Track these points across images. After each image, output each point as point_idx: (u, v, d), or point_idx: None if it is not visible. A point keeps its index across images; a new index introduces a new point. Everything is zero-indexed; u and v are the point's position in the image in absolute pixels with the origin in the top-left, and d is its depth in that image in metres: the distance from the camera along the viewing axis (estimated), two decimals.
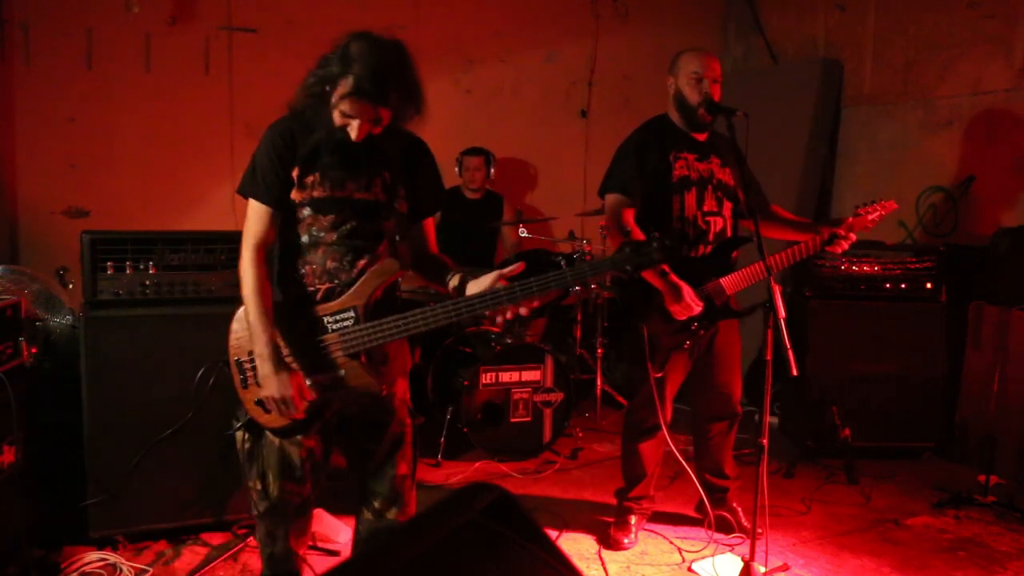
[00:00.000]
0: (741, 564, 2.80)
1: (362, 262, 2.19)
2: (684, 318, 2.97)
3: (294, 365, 2.16)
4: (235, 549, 3.00)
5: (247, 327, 2.19)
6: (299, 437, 2.25)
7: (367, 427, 2.34)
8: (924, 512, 3.57)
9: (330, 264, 2.18)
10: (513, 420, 4.16)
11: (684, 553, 3.16)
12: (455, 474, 3.97)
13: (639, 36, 5.99)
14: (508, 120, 5.68)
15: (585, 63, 5.92)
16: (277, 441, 2.26)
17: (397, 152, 2.26)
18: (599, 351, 4.80)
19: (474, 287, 2.13)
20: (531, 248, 4.62)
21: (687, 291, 2.92)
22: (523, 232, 4.76)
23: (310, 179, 2.15)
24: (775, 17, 5.99)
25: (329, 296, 2.18)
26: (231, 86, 4.94)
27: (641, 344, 3.07)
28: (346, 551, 3.06)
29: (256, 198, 2.17)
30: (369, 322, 2.14)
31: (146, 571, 2.87)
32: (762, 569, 2.78)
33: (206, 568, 2.90)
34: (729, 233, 3.14)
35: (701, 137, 3.12)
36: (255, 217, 2.18)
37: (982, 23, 4.53)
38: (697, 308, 2.93)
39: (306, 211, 2.17)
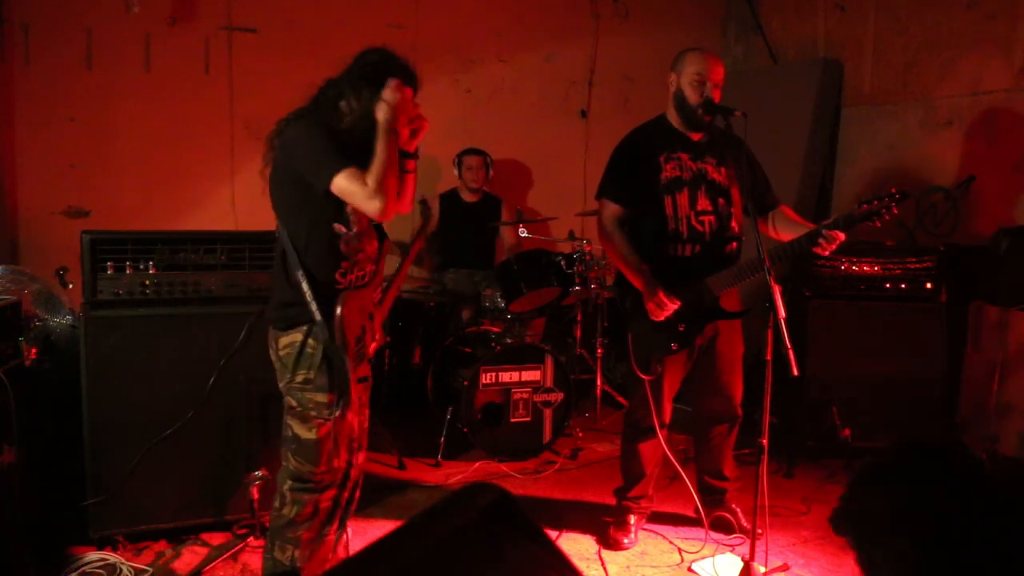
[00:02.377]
0: (741, 564, 2.80)
1: (376, 243, 2.55)
2: (660, 318, 2.96)
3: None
4: (235, 549, 3.00)
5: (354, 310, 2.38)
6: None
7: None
8: None
9: (369, 249, 2.48)
10: (513, 420, 4.16)
11: (684, 553, 3.16)
12: (455, 474, 3.97)
13: (639, 36, 5.99)
14: (508, 120, 5.68)
15: (585, 63, 5.92)
16: (349, 415, 2.48)
17: None
18: (599, 351, 4.80)
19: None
20: (531, 248, 4.61)
21: (659, 290, 2.93)
22: (523, 232, 4.76)
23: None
24: (775, 17, 5.98)
25: (374, 276, 2.53)
26: (231, 86, 4.94)
27: (631, 347, 3.08)
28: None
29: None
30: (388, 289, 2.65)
31: (146, 571, 2.87)
32: (762, 569, 2.79)
33: (206, 568, 2.90)
34: (728, 232, 3.13)
35: (696, 137, 3.12)
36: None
37: (982, 23, 4.53)
38: (671, 307, 2.93)
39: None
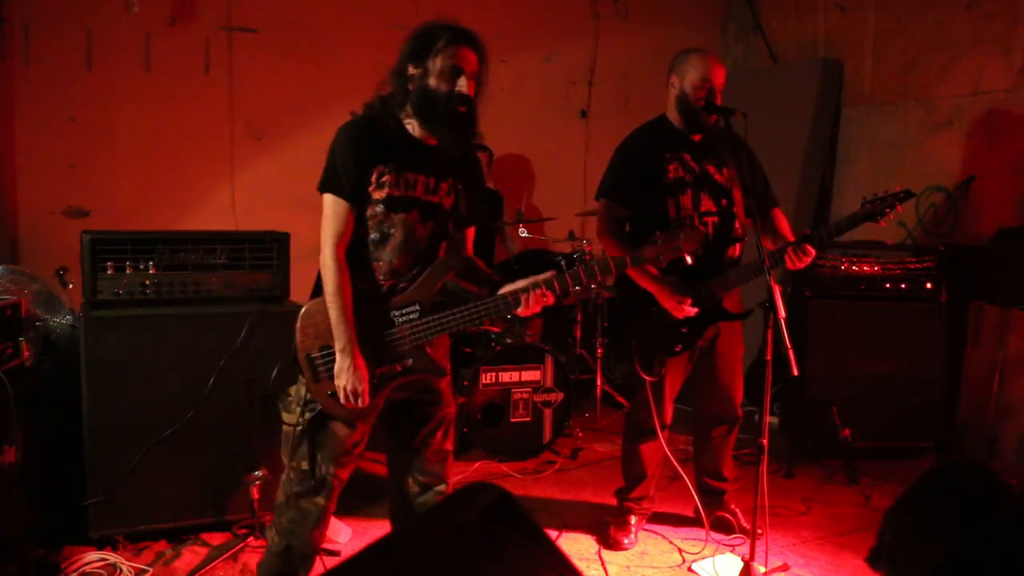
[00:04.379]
0: (741, 564, 2.80)
1: (422, 261, 2.34)
2: (681, 316, 2.96)
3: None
4: (235, 549, 3.00)
5: (316, 323, 2.28)
6: (357, 422, 2.35)
7: (416, 410, 2.47)
8: None
9: (396, 262, 2.31)
10: (513, 420, 4.16)
11: (684, 554, 3.16)
12: (455, 474, 3.95)
13: (639, 36, 5.99)
14: (508, 120, 5.66)
15: (585, 63, 5.93)
16: (336, 427, 2.34)
17: (458, 161, 2.45)
18: (599, 351, 4.80)
19: (509, 287, 2.34)
20: (531, 248, 4.62)
21: (676, 292, 2.94)
22: (523, 232, 4.76)
23: (387, 178, 2.27)
24: (775, 17, 5.99)
25: (392, 291, 2.32)
26: (231, 86, 4.94)
27: (634, 348, 3.08)
28: (346, 551, 3.05)
29: (339, 195, 2.24)
30: (433, 315, 2.32)
31: (146, 571, 2.87)
32: (762, 569, 2.78)
33: (206, 568, 2.90)
34: (731, 233, 3.12)
35: (697, 137, 3.11)
36: (335, 214, 2.25)
37: (982, 23, 4.54)
38: (689, 302, 2.93)
39: (379, 208, 2.27)
